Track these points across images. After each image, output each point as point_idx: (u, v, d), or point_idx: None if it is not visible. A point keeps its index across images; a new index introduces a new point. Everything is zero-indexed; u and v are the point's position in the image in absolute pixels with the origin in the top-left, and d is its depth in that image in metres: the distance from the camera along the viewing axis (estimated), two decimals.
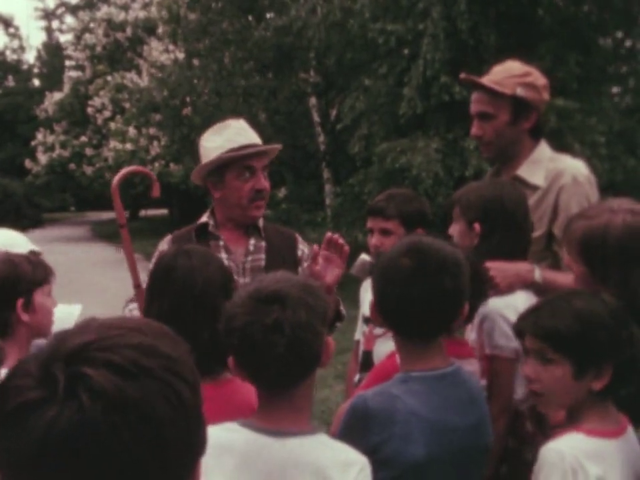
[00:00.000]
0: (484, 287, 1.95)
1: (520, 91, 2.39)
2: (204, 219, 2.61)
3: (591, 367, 1.55)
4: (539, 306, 1.69)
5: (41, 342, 1.97)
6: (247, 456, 1.41)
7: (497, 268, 2.06)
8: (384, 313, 1.69)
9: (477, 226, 2.12)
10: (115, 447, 0.69)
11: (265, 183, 2.51)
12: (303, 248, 2.64)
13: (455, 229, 2.20)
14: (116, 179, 2.53)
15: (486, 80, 2.46)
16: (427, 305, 1.59)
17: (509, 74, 2.43)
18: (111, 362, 0.72)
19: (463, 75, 2.60)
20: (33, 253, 2.23)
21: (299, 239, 2.69)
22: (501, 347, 2.02)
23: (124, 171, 2.62)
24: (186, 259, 1.81)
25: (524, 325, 1.67)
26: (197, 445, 0.80)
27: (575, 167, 2.43)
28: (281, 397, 1.44)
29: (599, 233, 1.77)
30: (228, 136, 2.50)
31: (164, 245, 2.58)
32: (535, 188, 2.38)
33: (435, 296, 1.59)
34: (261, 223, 2.59)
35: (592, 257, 1.79)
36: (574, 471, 1.48)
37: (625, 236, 1.75)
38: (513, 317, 2.02)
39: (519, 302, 2.06)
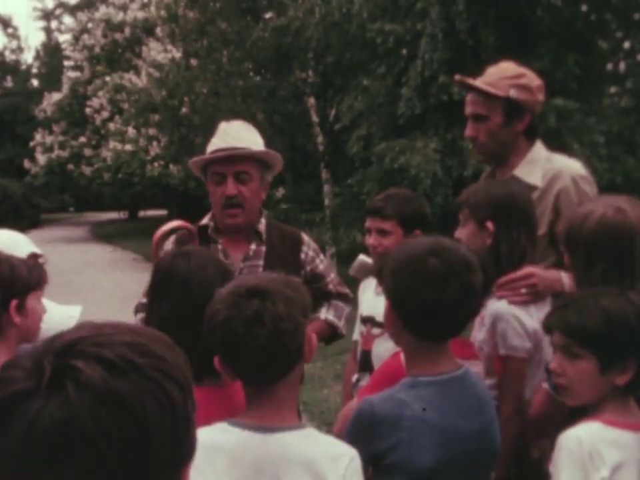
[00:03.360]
0: (490, 284, 1.94)
1: (513, 93, 2.39)
2: (205, 220, 2.59)
3: (616, 362, 1.60)
4: (567, 303, 1.72)
5: (27, 347, 1.95)
6: (237, 454, 1.42)
7: (538, 275, 2.06)
8: (407, 316, 1.63)
9: (489, 224, 2.11)
10: (100, 444, 0.68)
11: (232, 190, 2.43)
12: (307, 250, 2.60)
13: (462, 232, 2.18)
14: (157, 234, 2.45)
15: (479, 82, 2.46)
16: (459, 304, 1.58)
17: (502, 75, 2.43)
18: (102, 356, 0.72)
19: (457, 77, 2.59)
20: (33, 255, 2.22)
21: (304, 240, 2.64)
22: (515, 348, 2.01)
23: (166, 227, 2.50)
24: (184, 262, 1.81)
25: (552, 321, 1.72)
26: (184, 451, 0.78)
27: (572, 168, 2.43)
28: (266, 393, 1.45)
29: (579, 221, 1.82)
30: (213, 140, 2.51)
31: (168, 244, 2.57)
32: (532, 188, 2.38)
33: (466, 295, 1.59)
34: (261, 226, 2.56)
35: (569, 243, 1.85)
36: (591, 456, 1.51)
37: (597, 230, 1.78)
38: (525, 318, 2.03)
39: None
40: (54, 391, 0.69)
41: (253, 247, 2.53)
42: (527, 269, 2.08)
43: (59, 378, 0.70)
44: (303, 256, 2.59)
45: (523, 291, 2.04)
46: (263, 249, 2.53)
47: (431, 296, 1.57)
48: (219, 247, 2.53)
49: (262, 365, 1.40)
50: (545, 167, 2.42)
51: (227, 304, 1.43)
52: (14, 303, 1.88)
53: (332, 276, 2.69)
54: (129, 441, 0.70)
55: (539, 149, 2.49)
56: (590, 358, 1.62)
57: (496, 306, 2.02)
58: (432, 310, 1.58)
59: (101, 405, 0.69)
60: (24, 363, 0.73)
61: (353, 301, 2.74)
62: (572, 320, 1.65)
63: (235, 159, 2.44)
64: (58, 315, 2.10)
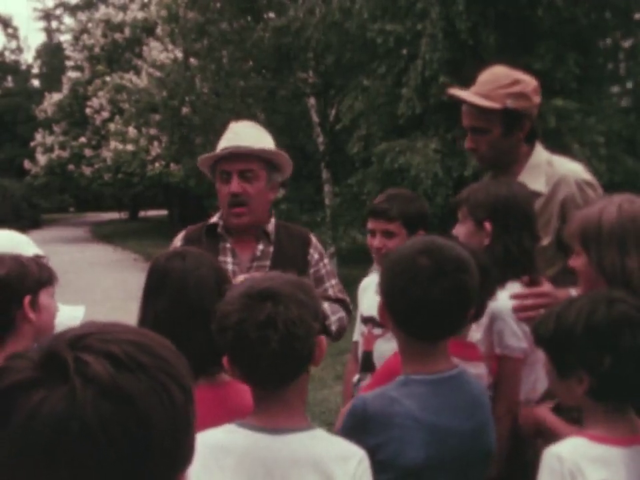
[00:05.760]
0: (493, 285, 1.94)
1: (510, 103, 2.32)
2: (214, 218, 2.60)
3: (570, 371, 1.57)
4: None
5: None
6: (246, 455, 1.41)
7: (553, 296, 2.02)
8: (397, 314, 1.64)
9: (487, 225, 2.10)
10: (100, 438, 0.68)
11: (235, 187, 2.45)
12: (313, 252, 2.60)
13: (460, 230, 2.18)
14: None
15: (473, 93, 2.40)
16: (447, 304, 1.57)
17: (496, 85, 2.36)
18: (109, 352, 0.72)
19: (450, 91, 2.55)
20: (37, 256, 2.23)
21: (312, 241, 2.63)
22: (511, 348, 2.01)
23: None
24: (179, 262, 1.81)
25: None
26: (182, 454, 0.78)
27: (576, 172, 2.39)
28: (275, 394, 1.45)
29: (595, 218, 1.80)
30: (222, 138, 2.53)
31: (177, 241, 2.61)
32: (537, 195, 2.33)
33: (455, 295, 1.58)
34: (270, 227, 2.56)
35: (589, 243, 1.81)
36: (572, 474, 1.47)
37: (620, 220, 1.76)
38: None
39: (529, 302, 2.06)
40: (58, 383, 0.69)
41: (261, 247, 2.53)
42: (546, 288, 2.06)
43: (65, 370, 0.70)
44: (309, 257, 2.58)
45: (542, 311, 1.98)
46: (271, 249, 2.54)
47: (418, 294, 1.57)
48: (228, 245, 2.54)
49: (273, 368, 1.40)
50: (547, 172, 2.37)
51: (238, 306, 1.42)
52: (27, 299, 1.89)
53: (333, 282, 2.65)
54: (129, 438, 0.69)
55: (539, 152, 2.45)
56: (548, 363, 1.65)
57: (494, 305, 2.00)
58: (419, 308, 1.58)
59: (105, 399, 0.69)
60: (30, 355, 0.73)
61: (352, 301, 2.72)
62: (535, 322, 1.70)
63: (240, 156, 2.46)
64: (62, 314, 2.11)
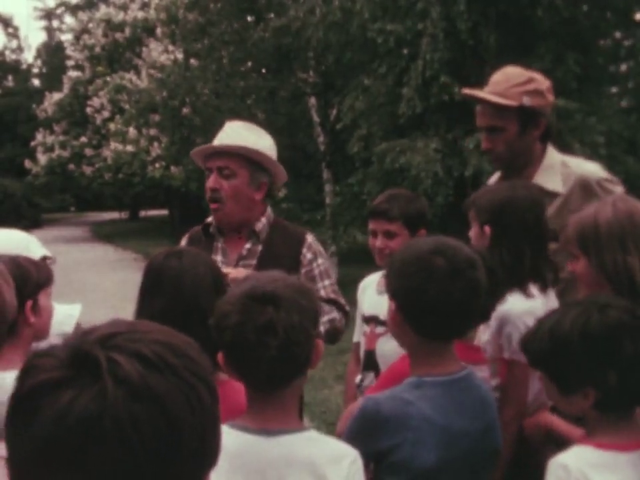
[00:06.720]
0: (501, 287, 1.94)
1: (526, 100, 2.33)
2: (210, 218, 2.63)
3: (574, 387, 1.53)
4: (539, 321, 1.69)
5: (43, 344, 1.95)
6: (240, 457, 1.40)
7: None
8: (411, 314, 1.62)
9: (487, 229, 2.11)
10: (132, 438, 0.68)
11: (211, 182, 2.48)
12: (306, 252, 2.56)
13: (471, 232, 2.20)
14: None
15: (488, 92, 2.41)
16: (463, 303, 1.57)
17: (511, 83, 2.37)
18: (139, 352, 0.72)
19: (465, 90, 2.54)
20: (45, 257, 2.23)
21: (307, 241, 2.59)
22: (521, 353, 2.01)
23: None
24: (176, 261, 1.82)
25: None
26: (210, 453, 0.78)
27: (594, 173, 2.38)
28: (271, 397, 1.44)
29: (591, 220, 1.80)
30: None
31: (183, 241, 2.67)
32: (554, 195, 2.33)
33: (470, 294, 1.58)
34: (260, 226, 2.56)
35: (587, 245, 1.81)
36: None
37: (616, 218, 1.76)
38: (532, 323, 2.02)
39: (538, 307, 2.05)
40: (88, 382, 0.69)
41: (248, 246, 2.55)
42: None
43: (96, 369, 0.69)
44: (301, 257, 2.56)
45: None
46: (259, 248, 2.54)
47: (437, 295, 1.56)
48: (219, 244, 2.57)
49: (269, 373, 1.39)
50: (562, 172, 2.37)
51: (239, 307, 1.40)
52: (29, 303, 1.88)
53: (327, 282, 2.59)
54: (159, 438, 0.69)
55: (553, 153, 2.45)
56: (545, 378, 1.61)
57: (503, 308, 1.99)
58: (438, 309, 1.57)
59: (136, 400, 0.69)
60: (56, 353, 0.73)
61: (351, 302, 2.69)
62: (524, 339, 1.67)
63: (220, 154, 2.49)
64: (58, 313, 2.10)
